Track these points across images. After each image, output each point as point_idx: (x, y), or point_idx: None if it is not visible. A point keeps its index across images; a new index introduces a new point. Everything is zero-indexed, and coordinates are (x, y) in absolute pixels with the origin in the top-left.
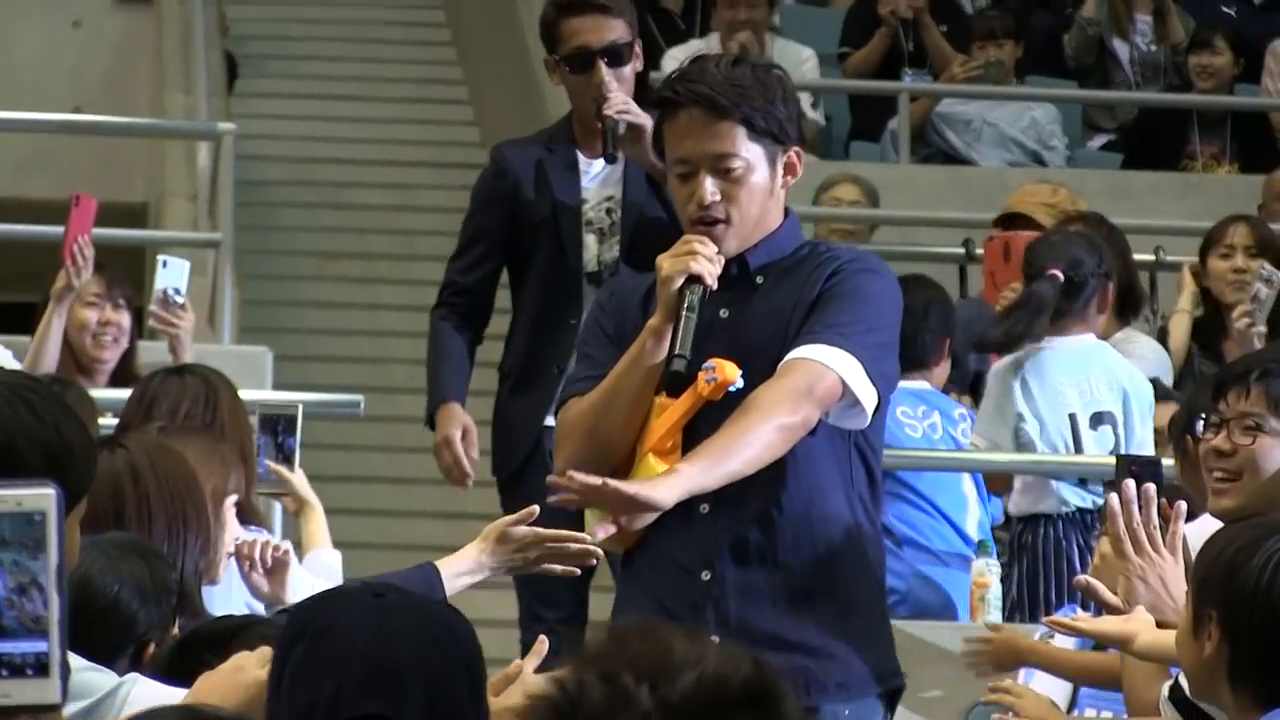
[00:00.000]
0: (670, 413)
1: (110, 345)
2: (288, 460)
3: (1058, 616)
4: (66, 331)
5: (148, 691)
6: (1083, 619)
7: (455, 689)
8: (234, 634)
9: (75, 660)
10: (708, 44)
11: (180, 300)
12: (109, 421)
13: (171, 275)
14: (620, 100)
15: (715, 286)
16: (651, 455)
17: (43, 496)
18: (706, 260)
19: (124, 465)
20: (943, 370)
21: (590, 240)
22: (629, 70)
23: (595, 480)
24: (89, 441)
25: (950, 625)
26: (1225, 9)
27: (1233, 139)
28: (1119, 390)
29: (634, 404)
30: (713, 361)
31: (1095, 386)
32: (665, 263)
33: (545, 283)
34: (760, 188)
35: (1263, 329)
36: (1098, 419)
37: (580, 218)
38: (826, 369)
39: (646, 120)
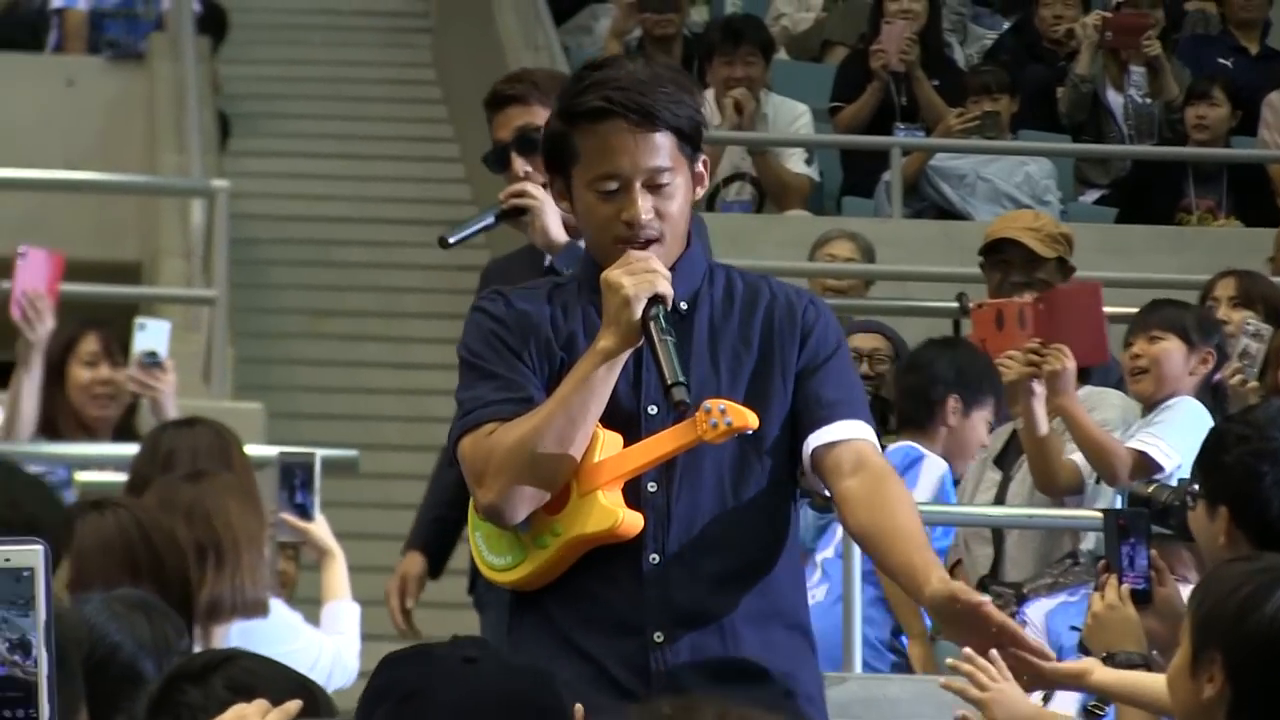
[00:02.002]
0: (649, 449)
1: (109, 403)
2: (304, 511)
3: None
4: (68, 391)
5: None
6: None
7: None
8: (216, 668)
9: None
10: (703, 99)
11: (159, 362)
12: (116, 477)
13: (150, 338)
14: (514, 189)
15: (670, 308)
16: (602, 494)
17: (30, 553)
18: (665, 279)
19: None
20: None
21: None
22: None
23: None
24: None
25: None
26: (1221, 60)
27: (1229, 192)
28: None
29: (584, 435)
30: (722, 403)
31: None
32: (626, 280)
33: None
34: (687, 202)
35: (1255, 384)
36: None
37: None
38: (872, 444)
39: (539, 203)
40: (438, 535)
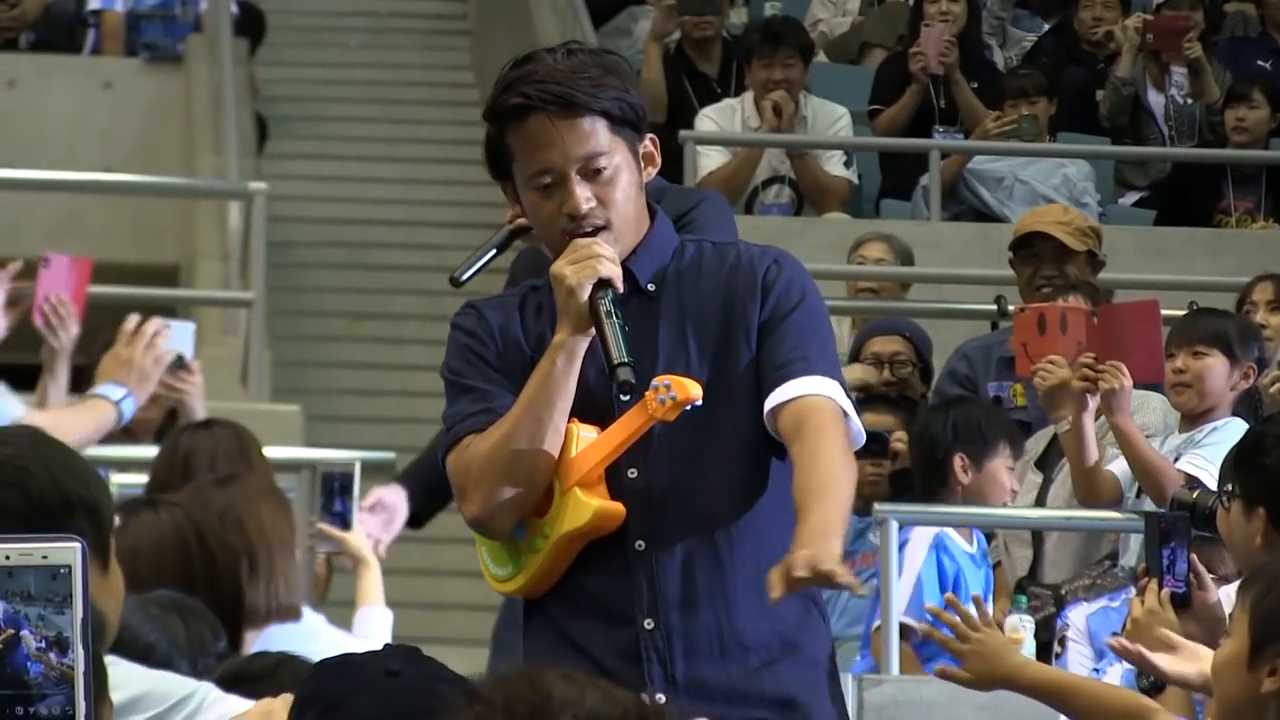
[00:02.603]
0: (610, 437)
1: (150, 406)
2: (343, 520)
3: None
4: None
5: (220, 701)
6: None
7: None
8: (268, 674)
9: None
10: (742, 103)
11: (186, 364)
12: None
13: (175, 340)
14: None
15: (622, 289)
16: (579, 490)
17: (68, 550)
18: (610, 262)
19: (185, 522)
20: None
21: None
22: None
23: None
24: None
25: None
26: (1260, 63)
27: (1267, 194)
28: None
29: (554, 431)
30: (667, 378)
31: None
32: (567, 270)
33: None
34: (633, 184)
35: None
36: None
37: None
38: (834, 403)
39: None
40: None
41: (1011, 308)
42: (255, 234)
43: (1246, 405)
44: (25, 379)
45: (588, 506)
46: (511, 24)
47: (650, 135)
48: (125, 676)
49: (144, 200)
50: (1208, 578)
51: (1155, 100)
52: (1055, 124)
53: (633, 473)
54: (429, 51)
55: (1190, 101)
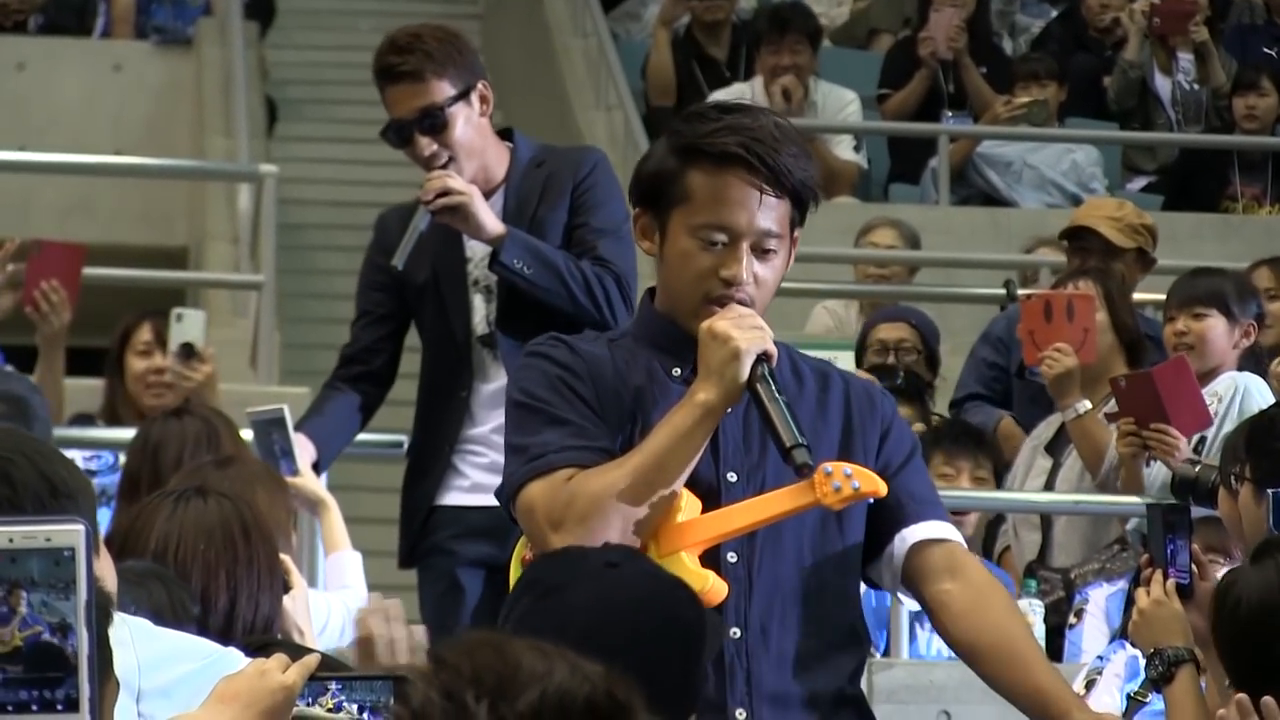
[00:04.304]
0: (762, 507)
1: (165, 392)
2: (289, 464)
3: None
4: (125, 382)
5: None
6: None
7: (667, 673)
8: (259, 650)
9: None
10: (751, 88)
11: (197, 353)
12: None
13: (187, 329)
14: (434, 188)
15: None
16: (686, 556)
17: (72, 533)
18: (770, 337)
19: (234, 518)
20: None
21: (478, 301)
22: (462, 129)
23: None
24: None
25: None
26: (1266, 50)
27: (1274, 180)
28: None
29: (673, 488)
30: (847, 466)
31: None
32: (734, 332)
33: (433, 352)
34: (780, 274)
35: None
36: None
37: (465, 279)
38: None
39: (467, 197)
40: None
41: (1021, 296)
42: (265, 216)
43: (1252, 363)
44: (26, 360)
45: (702, 578)
46: (521, 7)
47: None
48: (153, 631)
49: (154, 183)
50: (1210, 567)
51: (1162, 84)
52: (1063, 110)
53: (733, 556)
54: None
55: (1197, 87)
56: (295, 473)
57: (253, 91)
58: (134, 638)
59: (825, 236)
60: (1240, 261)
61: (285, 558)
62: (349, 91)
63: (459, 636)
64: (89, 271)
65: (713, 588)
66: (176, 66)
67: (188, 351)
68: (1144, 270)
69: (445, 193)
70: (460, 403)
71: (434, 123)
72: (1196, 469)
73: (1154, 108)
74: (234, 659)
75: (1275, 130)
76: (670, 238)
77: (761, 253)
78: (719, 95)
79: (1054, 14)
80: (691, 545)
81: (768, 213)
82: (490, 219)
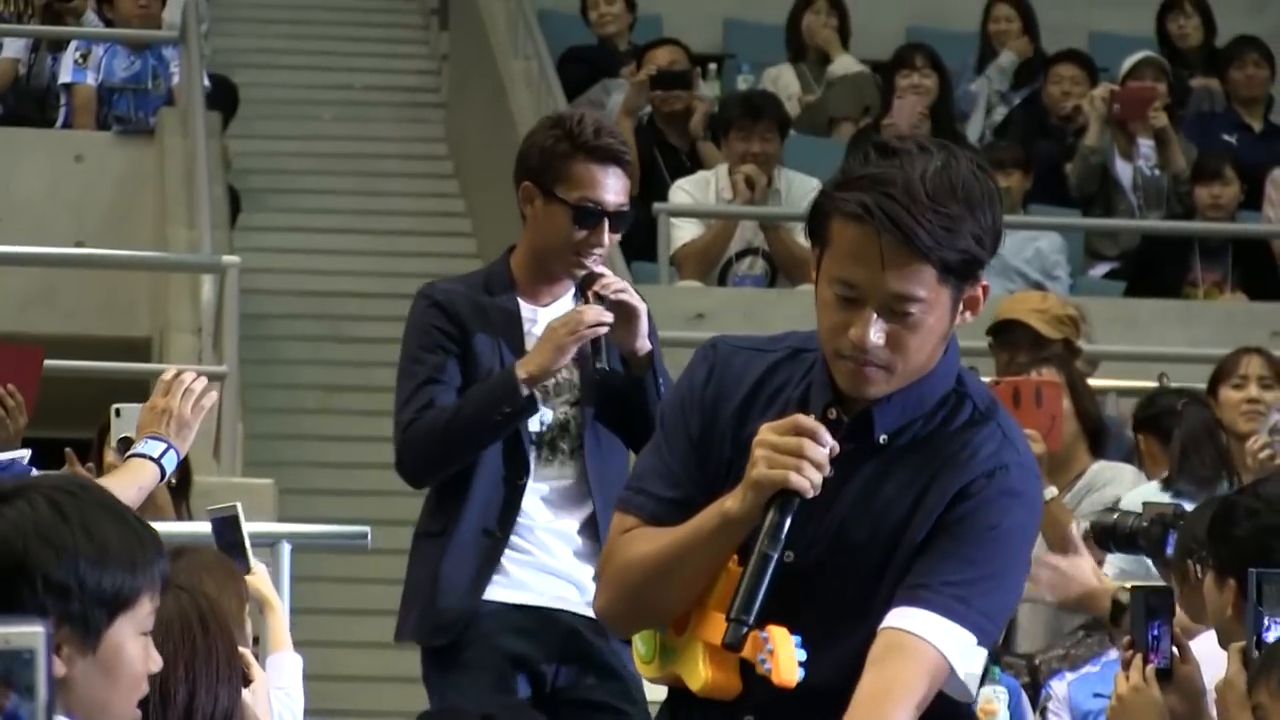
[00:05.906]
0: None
1: None
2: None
3: None
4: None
5: None
6: None
7: None
8: None
9: None
10: (716, 174)
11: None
12: None
13: (126, 424)
14: (616, 281)
15: (815, 492)
16: (702, 650)
17: (31, 635)
18: (815, 468)
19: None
20: None
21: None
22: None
23: None
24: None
25: None
26: (1226, 137)
27: (1234, 266)
28: None
29: (693, 581)
30: (772, 643)
31: None
32: (761, 458)
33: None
34: (937, 335)
35: None
36: None
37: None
38: (940, 656)
39: (640, 304)
40: None
41: (985, 380)
42: (228, 307)
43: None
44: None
45: (698, 677)
46: (485, 96)
47: (984, 283)
48: None
49: (116, 273)
50: (1190, 651)
51: (1124, 170)
52: (1027, 197)
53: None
54: (402, 124)
55: (1158, 172)
56: (247, 570)
57: (215, 181)
58: None
59: (791, 323)
60: (1203, 347)
61: (245, 651)
62: (312, 181)
63: None
64: (50, 363)
65: (710, 687)
66: (139, 157)
67: (126, 445)
68: (1073, 359)
69: (623, 290)
70: (518, 490)
71: (624, 222)
72: (1113, 516)
73: (1116, 194)
74: None
75: (1234, 217)
76: (820, 282)
77: (899, 315)
78: (684, 183)
79: (1017, 101)
80: (709, 637)
81: (898, 275)
82: (644, 339)
